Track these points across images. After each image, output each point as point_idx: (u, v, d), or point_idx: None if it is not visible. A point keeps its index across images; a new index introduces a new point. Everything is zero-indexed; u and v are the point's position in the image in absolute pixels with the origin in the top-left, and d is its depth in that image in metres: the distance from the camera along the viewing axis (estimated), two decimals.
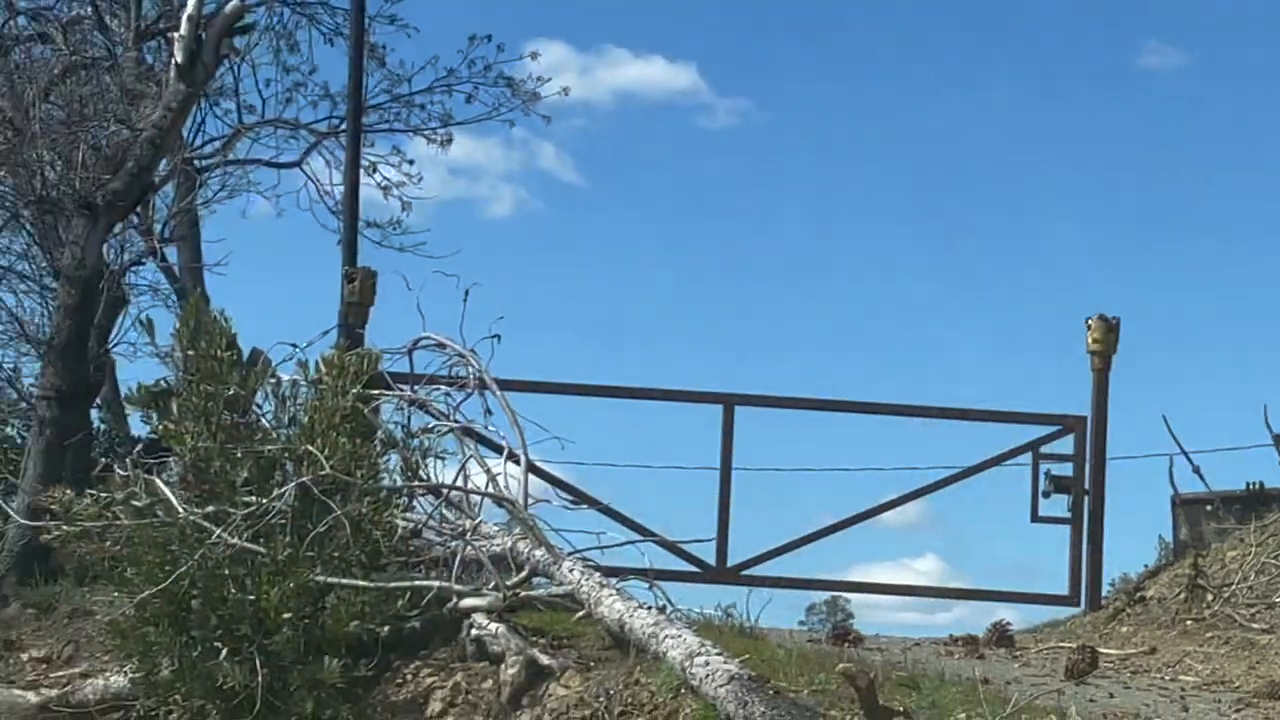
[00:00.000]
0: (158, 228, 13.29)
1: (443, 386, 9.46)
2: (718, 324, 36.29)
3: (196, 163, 14.92)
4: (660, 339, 34.19)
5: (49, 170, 11.23)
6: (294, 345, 9.15)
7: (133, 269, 12.80)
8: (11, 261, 13.13)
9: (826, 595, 26.05)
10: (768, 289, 37.00)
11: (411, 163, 16.71)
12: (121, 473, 8.65)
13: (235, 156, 15.59)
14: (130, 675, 8.50)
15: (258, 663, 7.76)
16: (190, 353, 8.43)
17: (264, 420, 8.63)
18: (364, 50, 13.48)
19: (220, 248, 15.26)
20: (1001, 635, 10.39)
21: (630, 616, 7.56)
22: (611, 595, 7.82)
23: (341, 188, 15.37)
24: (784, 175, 38.92)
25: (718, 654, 6.92)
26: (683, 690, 7.09)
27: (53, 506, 8.74)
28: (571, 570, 8.20)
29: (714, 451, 11.89)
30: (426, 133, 16.87)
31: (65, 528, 8.64)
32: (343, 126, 15.61)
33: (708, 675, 6.75)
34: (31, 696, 9.17)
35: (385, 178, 16.44)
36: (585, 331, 30.94)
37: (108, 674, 9.05)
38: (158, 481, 8.39)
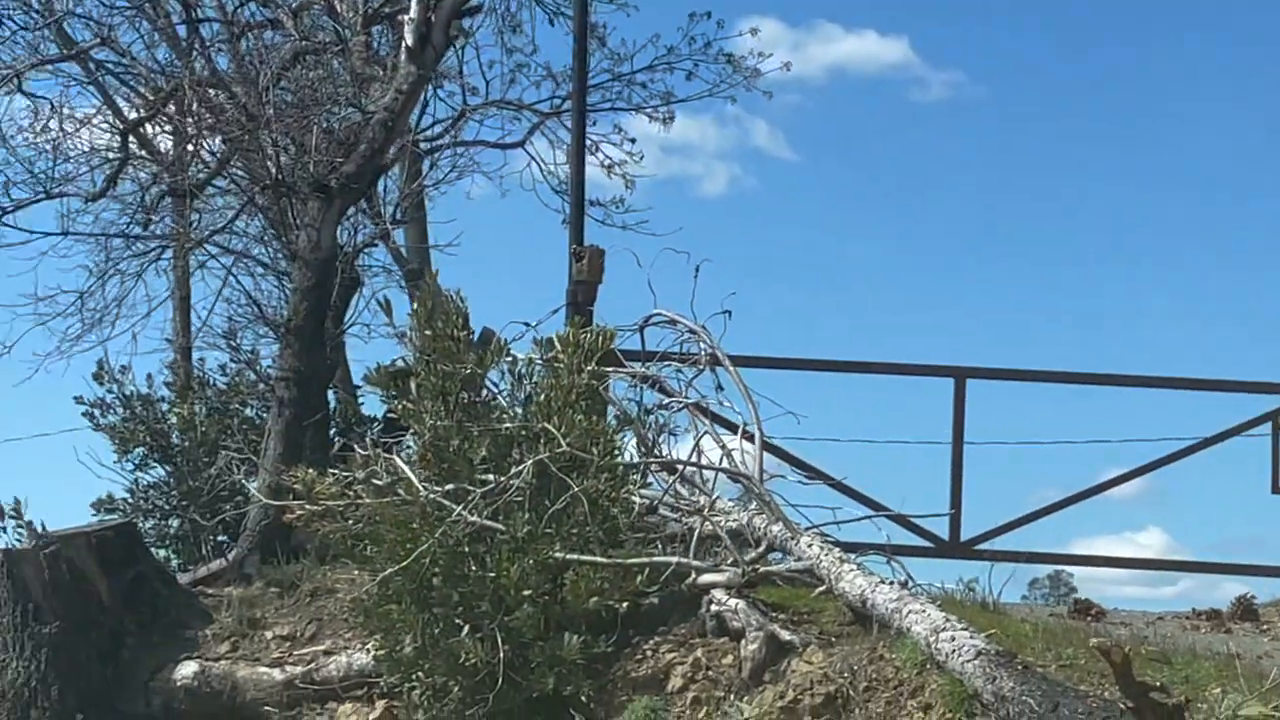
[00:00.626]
0: (388, 210, 13.82)
1: (674, 363, 9.74)
2: (931, 298, 36.19)
3: (422, 145, 15.51)
4: (873, 314, 34.22)
5: (282, 155, 11.78)
6: (526, 324, 9.52)
7: (365, 251, 13.37)
8: (248, 245, 13.75)
9: (1050, 569, 25.86)
10: (983, 262, 36.74)
11: (633, 141, 17.13)
12: (362, 452, 9.00)
13: (460, 138, 16.15)
14: (374, 652, 8.88)
15: (499, 639, 8.05)
16: (427, 333, 8.79)
17: (500, 399, 8.99)
18: (587, 30, 13.82)
19: (444, 229, 15.87)
20: (1246, 609, 10.32)
21: (872, 592, 7.68)
22: (852, 570, 7.95)
23: (565, 167, 15.92)
24: (999, 147, 38.52)
25: (963, 629, 7.00)
26: (928, 666, 7.23)
27: (295, 486, 9.13)
28: (810, 545, 8.34)
29: (932, 425, 12.11)
30: (648, 111, 17.31)
31: (308, 507, 9.07)
32: (565, 106, 16.06)
33: (954, 650, 6.85)
34: (276, 674, 9.60)
35: (607, 156, 16.88)
36: (799, 307, 31.08)
37: (350, 651, 9.41)
38: (398, 460, 8.74)
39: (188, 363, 14.90)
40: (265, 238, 13.28)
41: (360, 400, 12.71)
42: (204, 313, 15.14)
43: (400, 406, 8.93)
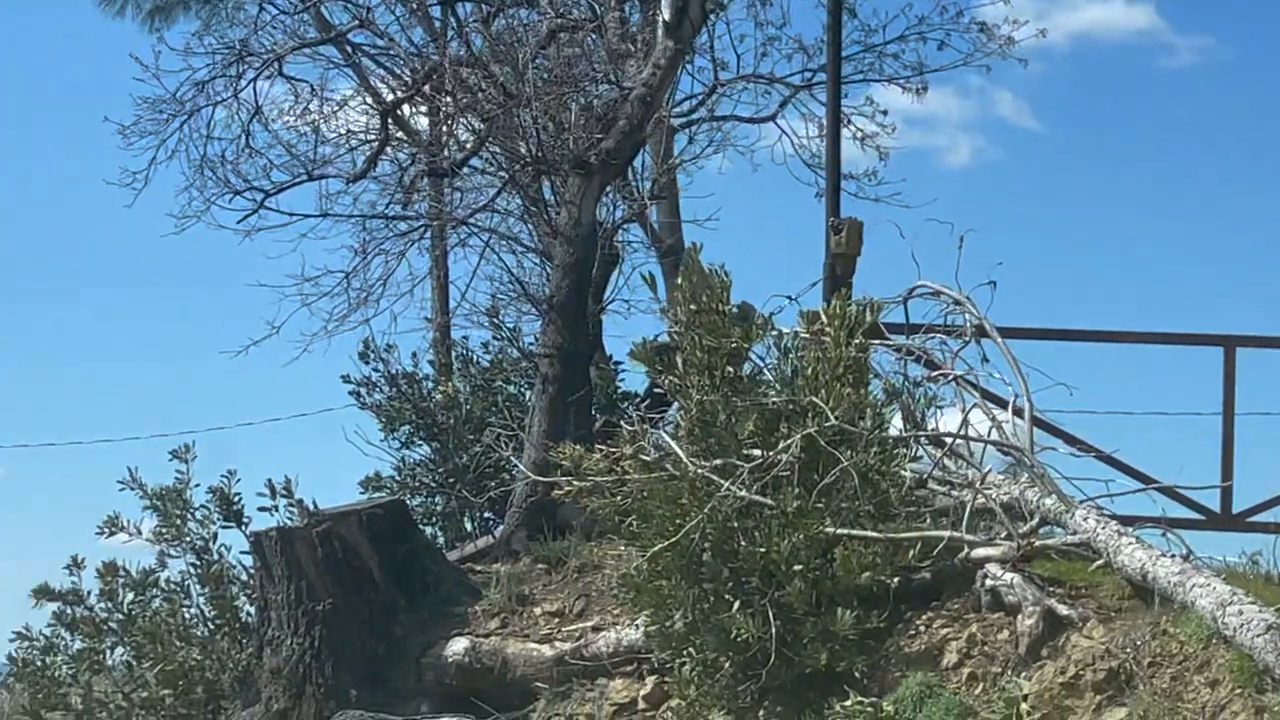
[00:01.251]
0: (645, 185, 14.18)
1: (938, 335, 9.84)
2: (1188, 268, 35.34)
3: (675, 121, 15.84)
4: (1123, 286, 33.54)
5: (541, 132, 12.19)
6: (789, 298, 9.73)
7: (623, 227, 13.72)
8: (505, 224, 14.20)
9: None
10: (1242, 234, 35.75)
11: (885, 113, 17.26)
12: (629, 428, 9.27)
13: (712, 113, 16.46)
14: (644, 628, 9.14)
15: (770, 614, 8.21)
16: (691, 307, 9.04)
17: (766, 373, 9.21)
18: (841, 1, 13.98)
19: (694, 205, 16.17)
20: None
21: (1153, 565, 7.66)
22: (1131, 543, 7.93)
23: (817, 141, 16.14)
24: (1252, 113, 37.36)
25: (1251, 602, 6.99)
26: (1213, 640, 7.23)
27: (562, 462, 9.41)
28: (1085, 518, 8.33)
29: (1186, 396, 12.04)
30: (900, 82, 17.43)
31: (575, 483, 9.31)
32: (817, 79, 16.29)
33: (1242, 625, 6.86)
34: (546, 650, 9.93)
35: (859, 129, 17.04)
36: (1048, 279, 30.68)
37: (619, 627, 9.71)
38: (665, 435, 9.04)
39: (447, 341, 15.46)
40: (524, 216, 13.69)
41: (620, 376, 13.06)
42: (463, 291, 15.69)
43: (666, 381, 9.18)
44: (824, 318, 9.02)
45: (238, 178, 13.86)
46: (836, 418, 8.50)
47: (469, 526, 12.55)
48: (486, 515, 12.51)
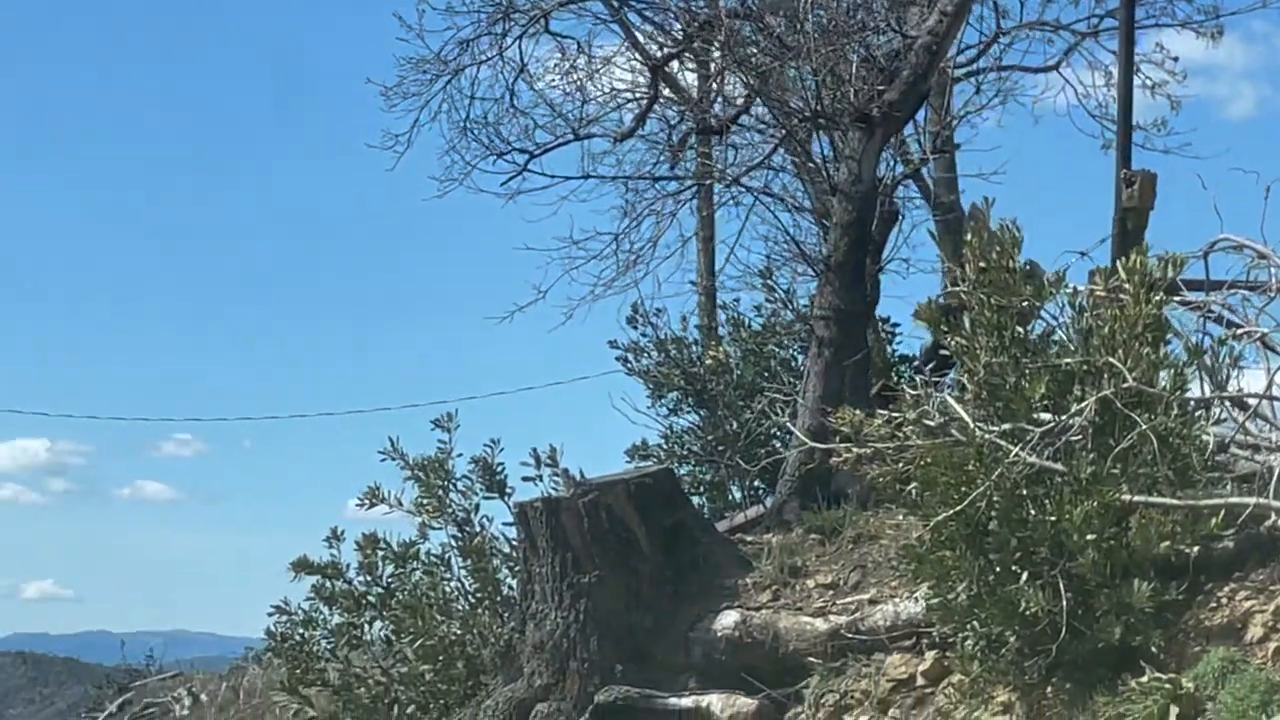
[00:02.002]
0: (927, 139, 14.28)
1: (1241, 290, 9.69)
2: None
3: (954, 72, 15.90)
4: None
5: (821, 85, 12.36)
6: (1081, 253, 9.76)
7: (904, 183, 13.84)
8: (773, 181, 14.41)
9: None
10: None
11: (1175, 60, 17.07)
12: (911, 392, 9.34)
13: (999, 61, 16.49)
14: (924, 601, 9.19)
15: (1060, 586, 8.21)
16: (981, 265, 9.13)
17: (1058, 332, 9.26)
18: None
19: (971, 159, 16.21)
20: None
21: None
22: None
23: (1103, 90, 16.05)
24: None
25: None
26: None
27: (841, 427, 9.47)
28: None
29: None
30: (1194, 26, 17.19)
31: (854, 450, 9.38)
32: (1104, 25, 16.19)
33: None
34: (820, 623, 10.03)
35: (1147, 77, 16.89)
36: None
37: (897, 600, 9.77)
38: (949, 400, 9.09)
39: (713, 304, 15.75)
40: (797, 173, 13.87)
41: (897, 338, 13.19)
42: (729, 252, 15.95)
43: (952, 343, 9.23)
44: (1123, 273, 9.00)
45: (499, 139, 14.32)
46: (1134, 379, 8.44)
47: (737, 496, 12.75)
48: (756, 484, 12.69)
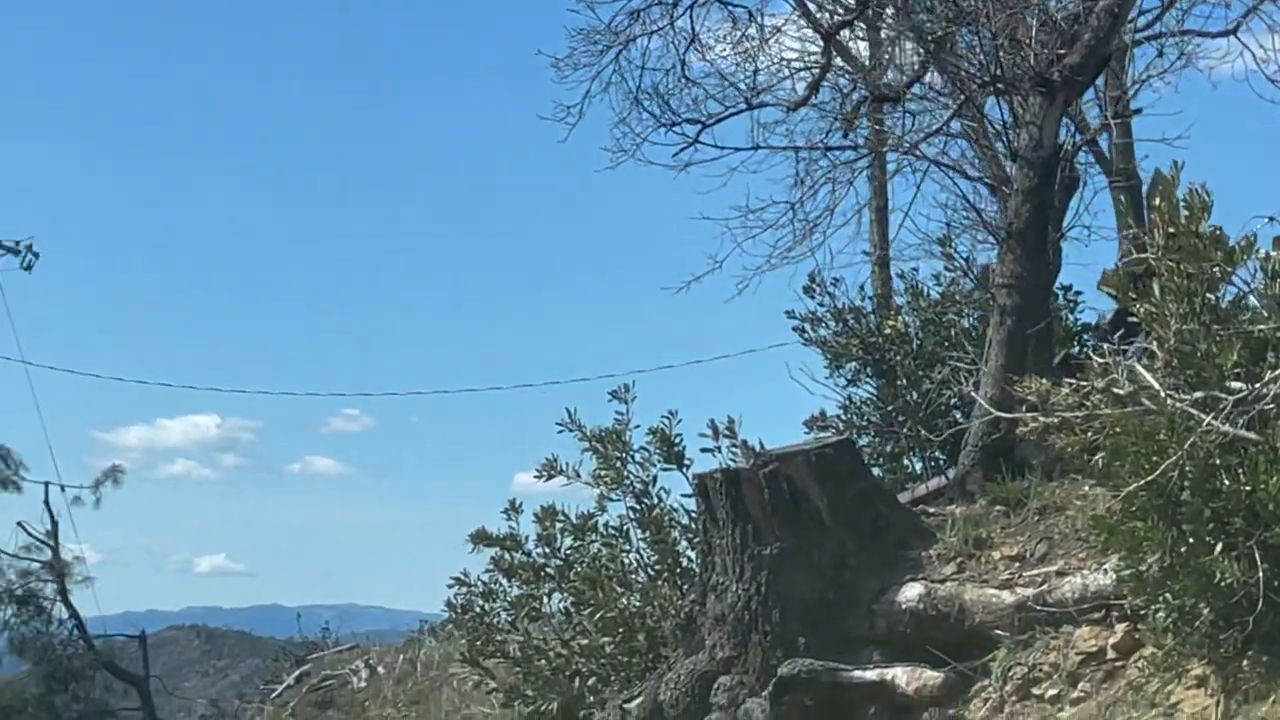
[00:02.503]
0: (1108, 105, 14.09)
1: None
2: None
3: (1133, 34, 15.65)
4: None
5: (999, 50, 12.21)
6: (1269, 218, 9.54)
7: (1084, 149, 13.66)
8: (956, 148, 14.30)
9: None
10: None
11: None
12: (1099, 360, 9.18)
13: (1180, 24, 16.19)
14: (1114, 573, 9.10)
15: (1256, 557, 8.08)
16: (1169, 230, 9.00)
17: (1250, 298, 9.09)
18: None
19: (1150, 124, 15.99)
20: None
21: None
22: None
23: None
24: None
25: None
26: None
27: (1028, 397, 9.36)
28: None
29: None
30: None
31: (1041, 419, 9.27)
32: None
33: None
34: (1006, 596, 9.96)
35: None
36: None
37: (1084, 572, 9.67)
38: (1139, 368, 9.01)
39: (885, 273, 15.67)
40: (973, 140, 13.75)
41: (1079, 307, 13.04)
42: (901, 221, 15.88)
43: (1141, 310, 9.12)
44: None
45: (669, 111, 14.34)
46: None
47: (916, 467, 12.70)
48: (936, 455, 12.64)
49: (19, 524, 35.82)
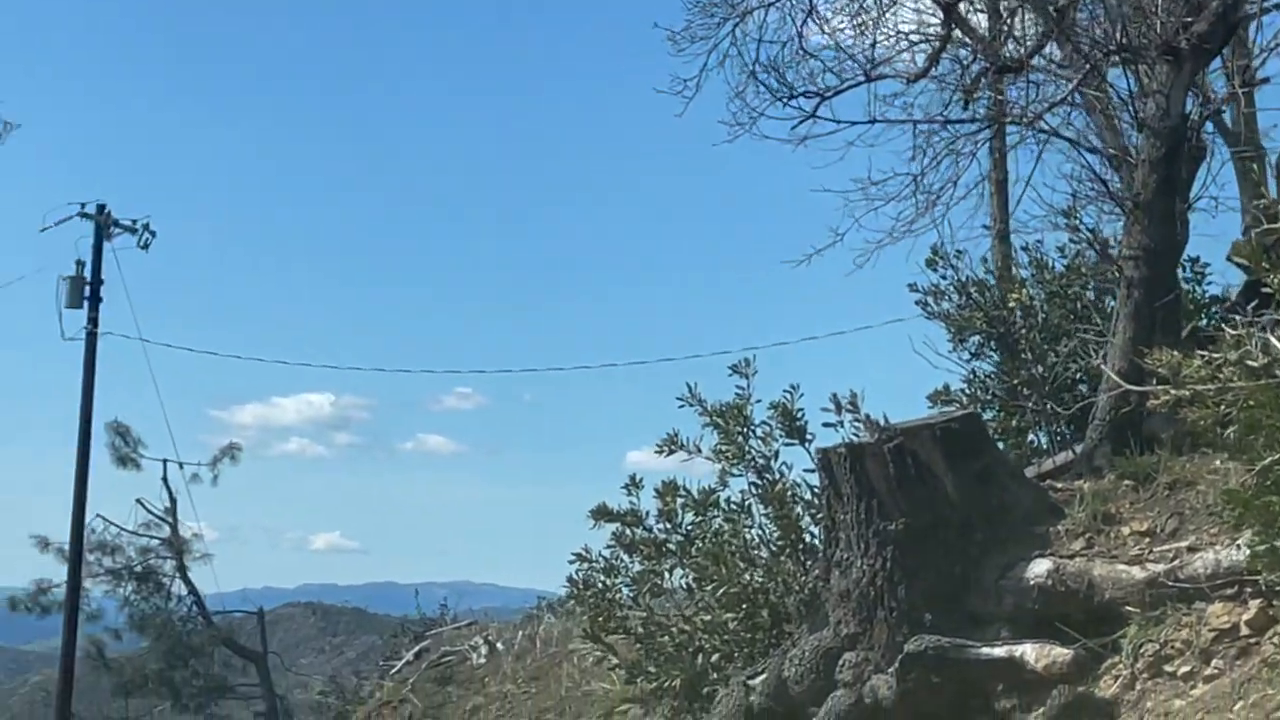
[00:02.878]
0: (1232, 74, 13.84)
1: None
2: None
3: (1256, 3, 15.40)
4: None
5: (1124, 18, 12.03)
6: None
7: (1212, 118, 13.47)
8: (1083, 120, 14.10)
9: None
10: None
11: None
12: (1232, 332, 9.07)
13: None
14: (1249, 547, 8.95)
15: None
16: None
17: None
18: None
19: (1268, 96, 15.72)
20: None
21: None
22: None
23: None
24: None
25: None
26: None
27: (1158, 369, 9.23)
28: None
29: None
30: None
31: (1172, 392, 9.14)
32: None
33: None
34: (1136, 571, 9.89)
35: None
36: None
37: (1217, 547, 9.59)
38: (1273, 339, 8.87)
39: (1006, 246, 15.53)
40: (1097, 110, 13.59)
41: (1206, 278, 12.88)
42: (1020, 193, 15.69)
43: (1275, 281, 9.01)
44: None
45: (783, 84, 14.26)
46: None
47: (1041, 441, 12.60)
48: (1062, 429, 12.53)
49: (138, 501, 36.40)
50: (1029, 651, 10.05)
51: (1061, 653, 9.94)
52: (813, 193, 14.14)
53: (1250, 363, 8.77)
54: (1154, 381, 9.47)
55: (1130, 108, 12.39)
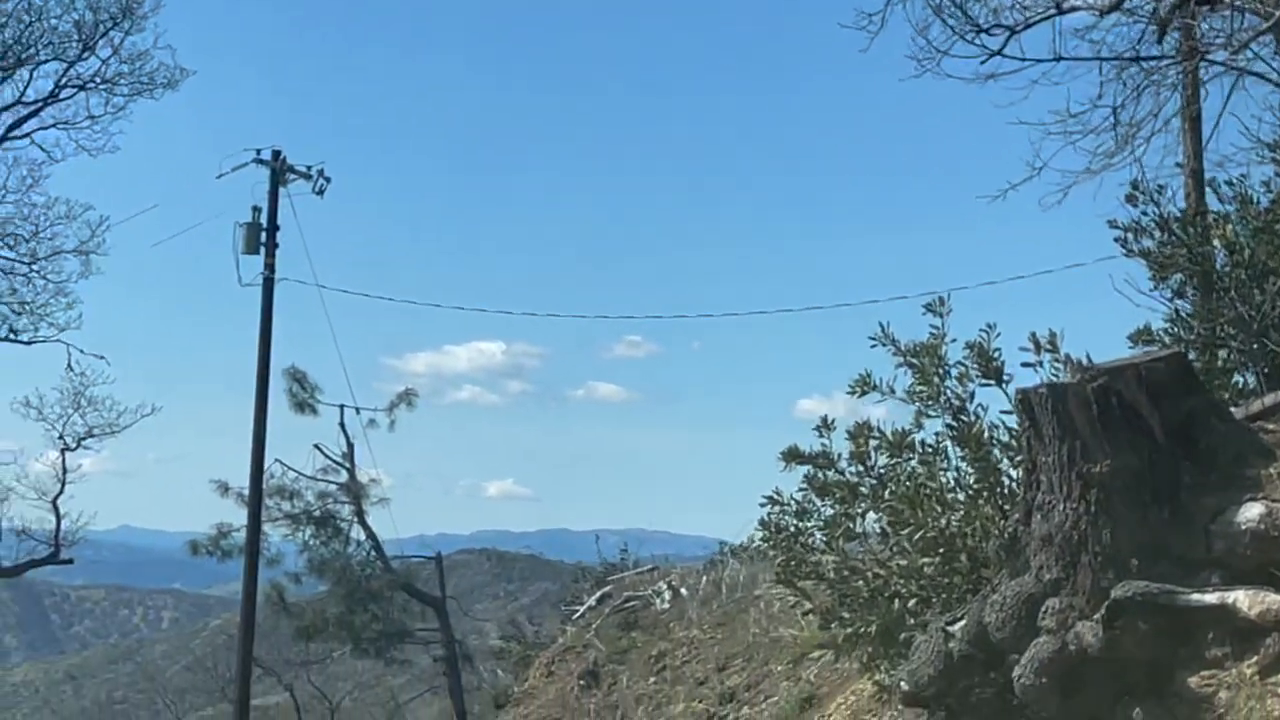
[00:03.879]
0: None
1: None
2: None
3: None
4: None
5: None
6: None
7: None
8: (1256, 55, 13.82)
9: None
10: None
11: None
12: None
13: None
14: None
15: None
16: None
17: None
18: None
19: None
20: None
21: None
22: None
23: None
24: None
25: None
26: None
27: None
28: None
29: None
30: None
31: None
32: None
33: None
34: None
35: None
36: None
37: None
38: None
39: (1199, 185, 15.20)
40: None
41: None
42: (1213, 128, 15.40)
43: None
44: None
45: (967, 20, 14.05)
46: None
47: (1249, 382, 12.34)
48: (1270, 369, 12.27)
49: (315, 446, 36.96)
50: (1241, 598, 9.84)
51: (1276, 599, 9.72)
52: (1007, 126, 13.94)
53: None
54: None
55: None
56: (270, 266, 33.27)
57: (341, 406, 37.74)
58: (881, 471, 12.56)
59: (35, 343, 36.48)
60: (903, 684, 11.34)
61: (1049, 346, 11.47)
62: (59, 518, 36.29)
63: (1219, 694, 9.69)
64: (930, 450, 12.32)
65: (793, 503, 13.03)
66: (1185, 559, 10.22)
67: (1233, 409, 11.78)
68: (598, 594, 22.90)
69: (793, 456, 12.97)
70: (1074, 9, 13.93)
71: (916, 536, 11.91)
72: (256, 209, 33.46)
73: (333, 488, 37.39)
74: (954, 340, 12.27)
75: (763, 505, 13.18)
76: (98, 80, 34.04)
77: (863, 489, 12.65)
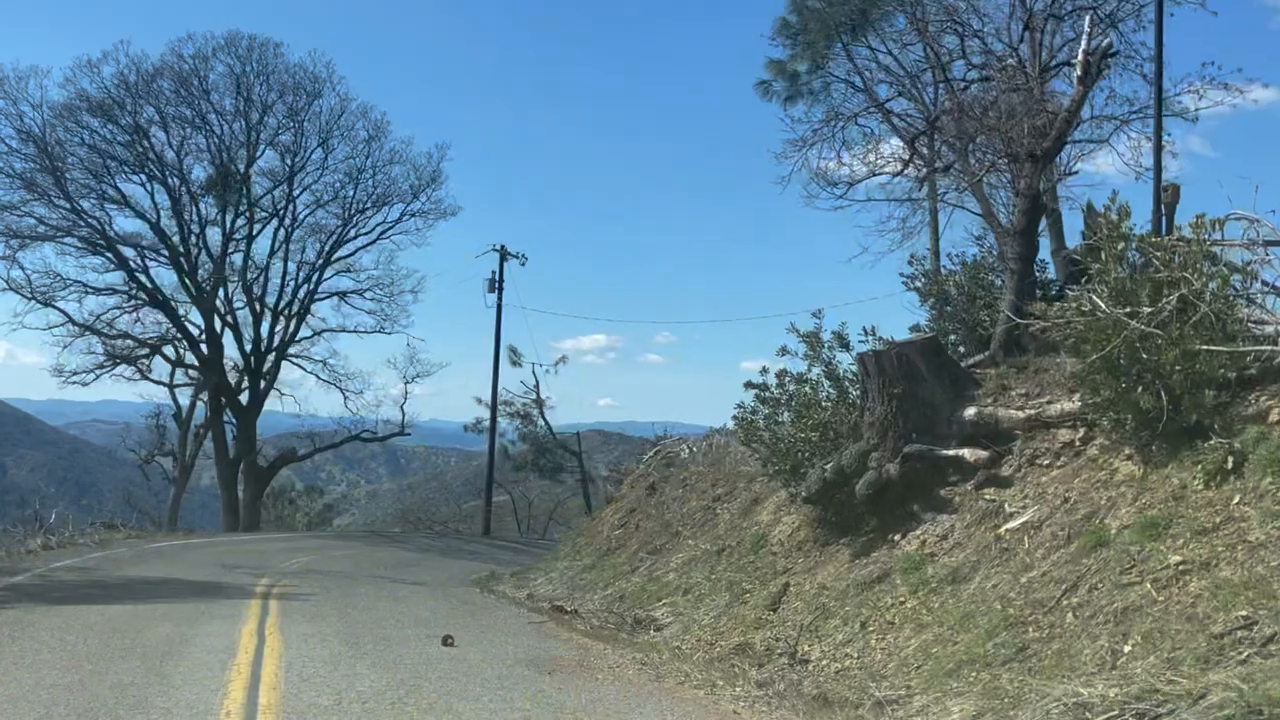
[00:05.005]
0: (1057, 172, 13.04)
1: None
2: None
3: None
4: None
5: (1009, 141, 11.43)
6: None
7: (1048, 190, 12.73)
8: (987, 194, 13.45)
9: None
10: None
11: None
12: (1071, 290, 8.76)
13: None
14: (1081, 400, 8.67)
15: (1160, 393, 7.66)
16: (1108, 227, 8.39)
17: (1153, 261, 8.41)
18: None
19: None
20: None
21: None
22: None
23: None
24: None
25: None
26: None
27: (1034, 312, 8.99)
28: None
29: None
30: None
31: (1040, 322, 8.91)
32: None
33: None
34: (1018, 414, 9.57)
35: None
36: None
37: (1062, 401, 9.24)
38: (1094, 298, 8.36)
39: (937, 257, 14.78)
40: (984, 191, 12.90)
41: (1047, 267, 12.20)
42: (946, 225, 14.99)
43: (1094, 268, 8.48)
44: (1186, 229, 8.13)
45: (827, 181, 13.74)
46: (1196, 285, 7.69)
47: (968, 350, 12.10)
48: (977, 345, 12.07)
49: (521, 382, 37.17)
50: (966, 452, 9.77)
51: (982, 453, 9.64)
52: (852, 228, 13.83)
53: (1082, 308, 8.35)
54: (1030, 318, 9.12)
55: (1013, 185, 11.85)
56: (498, 302, 33.49)
57: (533, 365, 38.12)
58: (791, 391, 12.42)
59: (394, 333, 37.86)
60: (802, 494, 11.27)
61: (872, 333, 11.31)
62: (404, 414, 37.71)
63: (954, 499, 9.64)
64: (814, 383, 12.18)
65: (748, 406, 12.93)
66: (940, 434, 10.09)
67: (962, 363, 11.66)
68: (653, 450, 22.74)
69: (750, 386, 12.86)
70: (879, 174, 13.78)
71: (807, 423, 11.78)
72: (494, 271, 33.71)
73: (529, 400, 37.52)
74: (827, 331, 12.14)
75: (736, 410, 13.10)
76: (420, 212, 35.07)
77: (781, 401, 12.53)
